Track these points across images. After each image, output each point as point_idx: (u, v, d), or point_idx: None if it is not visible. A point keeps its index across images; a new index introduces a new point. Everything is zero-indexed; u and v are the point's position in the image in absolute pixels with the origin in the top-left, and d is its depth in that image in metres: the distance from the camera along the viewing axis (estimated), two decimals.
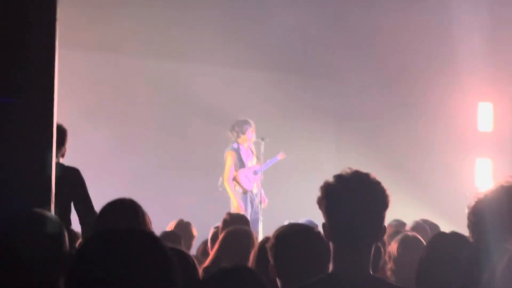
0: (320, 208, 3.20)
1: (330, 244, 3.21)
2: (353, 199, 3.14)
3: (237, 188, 11.56)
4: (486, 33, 12.19)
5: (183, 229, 7.15)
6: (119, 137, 12.86)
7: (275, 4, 13.19)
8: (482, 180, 12.64)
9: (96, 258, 2.17)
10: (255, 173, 11.61)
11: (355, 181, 3.16)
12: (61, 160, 6.33)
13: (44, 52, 4.84)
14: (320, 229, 3.34)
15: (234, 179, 11.59)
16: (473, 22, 12.12)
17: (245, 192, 11.57)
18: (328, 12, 13.52)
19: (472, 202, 3.54)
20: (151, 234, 2.27)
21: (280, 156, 12.01)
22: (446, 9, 12.40)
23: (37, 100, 4.80)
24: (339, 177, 3.18)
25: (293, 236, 3.76)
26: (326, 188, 3.18)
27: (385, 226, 3.22)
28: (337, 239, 3.18)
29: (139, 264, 2.15)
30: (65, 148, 6.35)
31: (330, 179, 3.19)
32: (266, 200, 11.66)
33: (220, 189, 11.67)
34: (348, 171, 3.19)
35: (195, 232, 7.39)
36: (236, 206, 11.42)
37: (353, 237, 3.15)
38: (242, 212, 10.66)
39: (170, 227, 7.32)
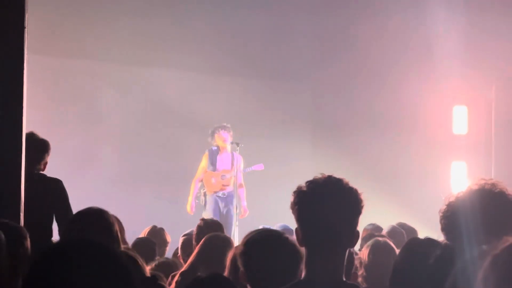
0: (292, 213, 3.17)
1: (304, 249, 3.18)
2: (325, 204, 3.12)
3: (204, 189, 11.73)
4: (461, 37, 12.23)
5: (156, 236, 7.11)
6: (92, 144, 12.78)
7: (251, 10, 13.17)
8: (458, 183, 12.68)
9: (47, 274, 2.10)
10: (223, 177, 11.69)
11: (327, 186, 3.13)
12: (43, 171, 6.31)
13: (12, 60, 4.80)
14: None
15: (202, 180, 11.74)
16: (448, 27, 12.17)
17: (209, 194, 11.67)
18: (303, 19, 13.52)
19: (443, 206, 3.53)
20: (102, 244, 2.21)
21: (257, 167, 12.03)
22: (422, 14, 12.44)
23: (5, 107, 4.75)
24: (311, 183, 3.15)
25: (262, 242, 3.73)
26: (299, 194, 3.15)
27: (358, 231, 3.19)
28: (309, 244, 3.15)
29: (92, 277, 2.10)
30: (47, 160, 6.32)
31: (303, 184, 3.17)
32: (247, 212, 11.72)
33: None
34: (320, 177, 3.17)
35: (168, 238, 7.36)
36: (188, 203, 11.69)
37: (325, 243, 3.12)
38: (190, 211, 11.50)
39: (143, 233, 7.29)
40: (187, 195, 11.91)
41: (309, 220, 3.13)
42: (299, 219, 3.15)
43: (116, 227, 4.28)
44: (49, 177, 6.27)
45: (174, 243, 7.43)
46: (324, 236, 3.11)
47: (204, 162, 11.77)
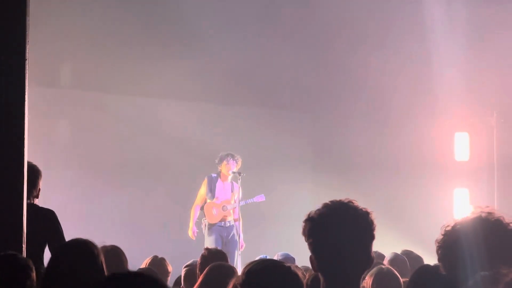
0: (305, 241, 3.12)
1: (319, 276, 3.14)
2: (338, 230, 3.07)
3: (205, 219, 11.65)
4: (463, 65, 12.30)
5: (157, 266, 7.07)
6: (94, 175, 12.77)
7: (254, 40, 13.24)
8: (460, 210, 12.66)
9: None
10: (224, 208, 11.64)
11: (338, 211, 3.09)
12: (36, 201, 6.24)
13: (14, 92, 4.82)
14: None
15: (203, 209, 11.68)
16: (450, 56, 12.24)
17: (211, 225, 11.61)
18: (305, 50, 13.58)
19: (439, 236, 3.49)
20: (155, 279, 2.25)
21: (259, 199, 11.99)
22: (425, 44, 12.51)
23: (7, 139, 4.76)
24: (321, 209, 3.11)
25: (263, 272, 3.70)
26: (310, 222, 3.11)
27: (373, 255, 3.14)
28: (325, 271, 3.11)
29: None
30: (39, 189, 6.25)
31: (312, 211, 3.12)
32: (244, 245, 11.66)
33: (197, 220, 11.74)
34: (330, 203, 3.11)
35: (170, 268, 7.33)
36: (189, 229, 11.62)
37: (342, 270, 3.08)
38: (191, 236, 11.50)
39: (144, 264, 7.25)
40: (186, 220, 11.86)
41: (323, 248, 3.08)
42: (312, 247, 3.10)
43: (101, 258, 4.35)
44: (42, 207, 6.19)
45: (177, 273, 7.41)
46: (340, 263, 3.07)
47: (203, 189, 11.73)
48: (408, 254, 7.84)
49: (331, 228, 3.07)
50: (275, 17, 13.28)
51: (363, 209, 3.12)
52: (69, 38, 12.27)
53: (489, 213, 3.42)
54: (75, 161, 12.60)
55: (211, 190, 11.67)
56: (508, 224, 3.39)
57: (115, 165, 13.04)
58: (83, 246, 4.34)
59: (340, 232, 3.07)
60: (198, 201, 11.76)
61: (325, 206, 3.11)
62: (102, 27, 12.34)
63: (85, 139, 12.82)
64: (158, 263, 7.19)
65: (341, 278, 3.08)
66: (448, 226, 3.45)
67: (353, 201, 3.13)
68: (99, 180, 12.80)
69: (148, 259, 7.36)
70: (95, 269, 4.28)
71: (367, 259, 3.11)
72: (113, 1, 12.47)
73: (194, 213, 11.72)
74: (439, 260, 3.46)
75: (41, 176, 6.24)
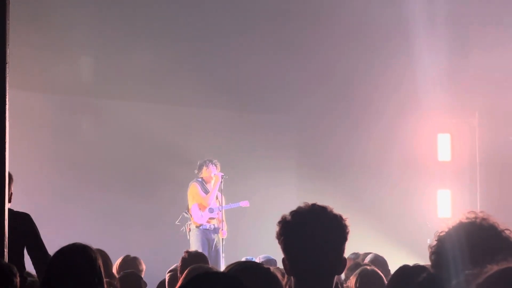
0: (279, 243, 3.19)
1: (292, 278, 3.19)
2: (311, 233, 3.13)
3: (189, 223, 11.62)
4: (445, 67, 12.35)
5: (130, 265, 7.07)
6: (78, 178, 12.74)
7: (236, 44, 13.24)
8: (444, 211, 12.70)
9: None
10: (211, 210, 11.65)
11: (311, 215, 3.15)
12: (9, 205, 6.17)
13: None
14: (279, 264, 3.30)
15: (188, 212, 11.66)
16: (432, 57, 12.28)
17: (197, 226, 11.58)
18: (289, 53, 13.60)
19: (433, 241, 3.47)
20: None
21: (243, 204, 12.04)
22: (407, 44, 12.54)
23: None
24: (295, 212, 3.17)
25: (242, 273, 3.71)
26: (284, 224, 3.17)
27: (345, 258, 3.20)
28: (297, 273, 3.16)
29: None
30: (11, 193, 6.16)
31: (287, 214, 3.18)
32: (226, 233, 11.67)
33: (178, 223, 11.69)
34: (304, 205, 3.18)
35: (143, 265, 7.33)
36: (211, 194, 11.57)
37: (313, 271, 3.12)
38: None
39: (116, 264, 7.21)
40: (170, 224, 11.83)
41: (296, 250, 3.14)
42: (285, 249, 3.16)
43: (99, 262, 4.35)
44: (16, 211, 6.13)
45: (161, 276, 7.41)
46: (312, 265, 3.12)
47: (196, 190, 11.71)
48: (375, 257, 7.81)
49: (303, 229, 3.13)
50: (256, 20, 13.28)
51: (337, 213, 3.18)
52: (54, 42, 12.23)
53: (483, 219, 3.39)
54: (57, 165, 12.54)
55: (205, 190, 11.71)
56: (502, 230, 3.37)
57: (97, 169, 13.00)
58: (81, 251, 4.36)
59: (310, 233, 3.13)
60: (196, 200, 11.69)
61: (298, 208, 3.19)
62: (88, 31, 12.31)
63: (67, 144, 12.78)
64: (130, 262, 7.19)
65: (311, 279, 3.14)
66: (442, 232, 3.42)
67: (329, 207, 3.19)
68: (81, 183, 12.76)
69: (119, 259, 7.36)
70: (94, 274, 4.31)
71: (338, 261, 3.17)
72: (97, 5, 12.44)
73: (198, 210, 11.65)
74: (432, 266, 3.45)
75: (13, 180, 6.18)
